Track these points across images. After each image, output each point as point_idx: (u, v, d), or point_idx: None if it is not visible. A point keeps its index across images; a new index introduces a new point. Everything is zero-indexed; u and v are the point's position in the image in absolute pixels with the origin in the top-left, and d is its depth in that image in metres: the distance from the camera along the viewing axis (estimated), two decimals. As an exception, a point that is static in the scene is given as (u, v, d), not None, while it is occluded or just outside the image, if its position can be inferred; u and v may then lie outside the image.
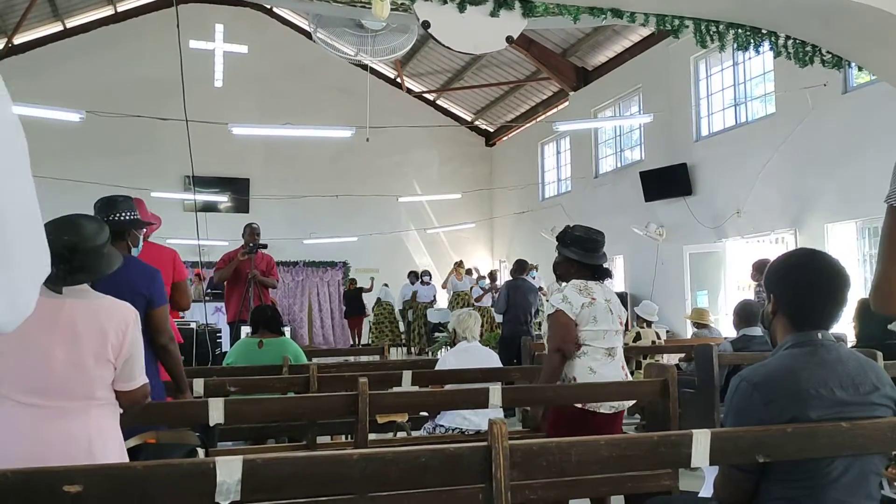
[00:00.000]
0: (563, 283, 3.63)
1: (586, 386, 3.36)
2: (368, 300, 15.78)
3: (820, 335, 2.06)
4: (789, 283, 2.09)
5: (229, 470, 1.60)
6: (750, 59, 10.06)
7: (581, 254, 3.56)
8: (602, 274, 3.61)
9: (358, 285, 15.81)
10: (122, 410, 2.35)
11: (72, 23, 15.54)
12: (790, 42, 4.29)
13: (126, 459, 2.34)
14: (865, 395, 2.03)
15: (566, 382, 3.47)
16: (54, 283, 2.18)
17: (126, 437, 2.76)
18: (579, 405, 3.40)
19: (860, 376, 2.03)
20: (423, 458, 1.71)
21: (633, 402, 3.64)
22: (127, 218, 3.27)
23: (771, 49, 4.34)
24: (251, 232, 6.95)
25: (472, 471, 1.76)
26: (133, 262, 3.30)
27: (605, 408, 3.42)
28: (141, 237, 3.48)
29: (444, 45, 3.59)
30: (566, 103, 14.99)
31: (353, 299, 15.85)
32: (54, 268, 2.13)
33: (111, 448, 2.22)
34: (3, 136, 1.03)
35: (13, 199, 1.02)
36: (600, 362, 3.46)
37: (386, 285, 15.79)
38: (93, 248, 2.28)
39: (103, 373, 2.23)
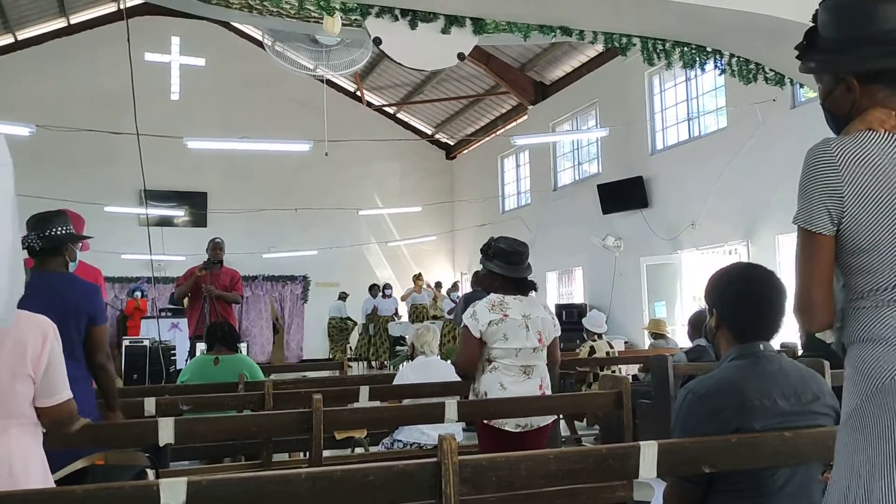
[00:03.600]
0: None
1: (534, 399, 3.34)
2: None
3: (762, 346, 2.11)
4: (729, 296, 2.15)
5: (173, 492, 1.58)
6: (702, 74, 10.29)
7: (504, 267, 3.46)
8: (526, 287, 3.51)
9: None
10: (44, 430, 2.25)
11: (23, 35, 15.21)
12: (734, 60, 4.42)
13: (50, 482, 2.25)
14: (807, 404, 2.08)
15: (478, 397, 3.40)
16: None
17: (72, 459, 2.70)
18: (486, 421, 3.35)
19: (802, 386, 2.08)
20: (371, 476, 1.70)
21: (549, 421, 3.53)
22: (62, 232, 3.18)
23: (716, 67, 4.47)
24: (213, 247, 6.87)
25: (421, 487, 1.76)
26: (74, 278, 3.23)
27: (511, 426, 3.34)
28: (78, 252, 3.39)
29: (395, 62, 3.61)
30: (525, 117, 15.14)
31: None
32: None
33: (33, 470, 2.14)
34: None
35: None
36: (513, 378, 3.37)
37: (342, 299, 15.73)
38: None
39: (22, 389, 2.15)
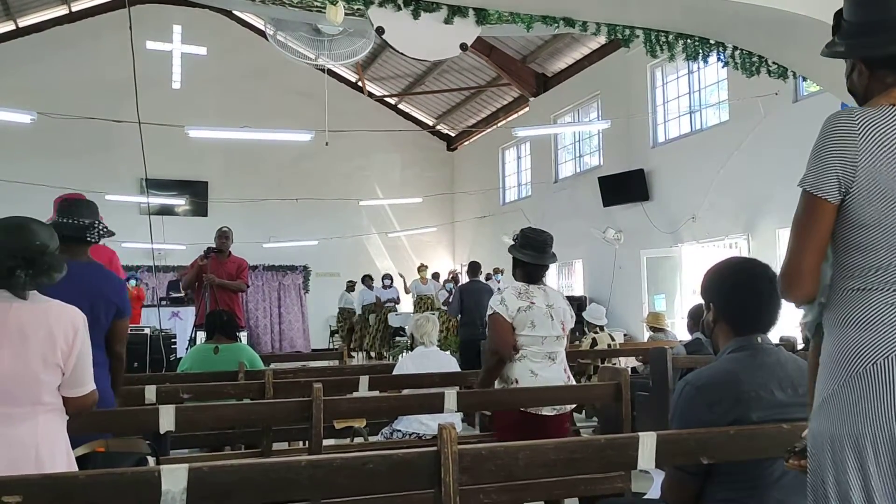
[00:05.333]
0: (507, 285, 3.68)
1: (538, 389, 3.39)
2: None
3: (759, 339, 2.13)
4: (726, 290, 2.16)
5: (175, 478, 1.59)
6: (705, 67, 10.26)
7: (529, 255, 3.58)
8: (538, 276, 3.61)
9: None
10: (67, 417, 2.31)
11: (24, 22, 15.17)
12: (737, 53, 4.41)
13: (74, 467, 2.29)
14: (804, 395, 2.09)
15: (509, 384, 3.47)
16: (17, 288, 2.15)
17: (74, 446, 2.71)
18: (523, 408, 3.41)
19: (799, 378, 2.10)
20: (370, 464, 1.71)
21: (573, 406, 3.65)
22: (102, 229, 3.19)
23: (719, 59, 4.46)
24: (219, 235, 6.94)
25: (421, 476, 1.77)
26: (103, 268, 3.27)
27: (548, 409, 3.43)
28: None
29: (397, 52, 3.61)
30: (526, 109, 15.12)
31: None
32: (20, 273, 2.11)
33: (59, 455, 2.18)
34: None
35: None
36: (541, 365, 3.47)
37: (350, 289, 15.72)
38: (53, 251, 2.25)
39: (51, 377, 2.18)
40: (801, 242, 1.58)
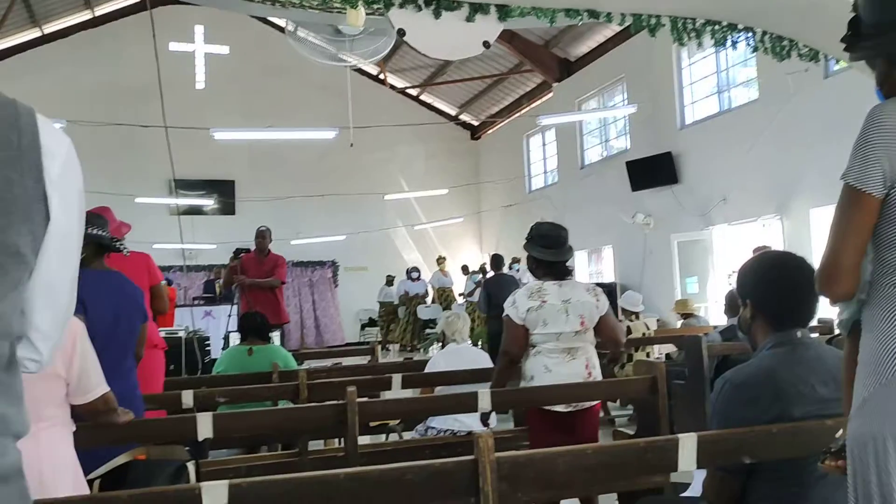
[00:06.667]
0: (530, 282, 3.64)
1: (571, 386, 3.36)
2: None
3: (799, 333, 2.09)
4: (764, 285, 2.12)
5: (215, 495, 1.60)
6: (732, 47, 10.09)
7: (543, 252, 3.54)
8: (560, 273, 3.54)
9: None
10: (73, 428, 2.31)
11: (49, 28, 15.38)
12: (767, 37, 4.31)
13: (81, 482, 2.27)
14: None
15: (525, 380, 3.47)
16: None
17: (114, 455, 2.75)
18: (542, 406, 3.41)
19: (840, 372, 2.05)
20: (409, 475, 1.71)
21: (598, 401, 3.58)
22: (111, 239, 3.29)
23: (748, 44, 4.36)
24: (257, 235, 7.05)
25: (460, 485, 1.77)
26: (127, 280, 3.35)
27: (560, 406, 3.40)
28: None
29: (420, 53, 3.58)
30: (550, 94, 14.99)
31: None
32: None
33: (63, 471, 2.16)
34: (78, 205, 1.12)
35: (76, 247, 1.14)
36: (556, 361, 3.42)
37: (390, 283, 15.77)
38: None
39: (51, 390, 2.18)
40: (843, 238, 1.54)
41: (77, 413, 2.36)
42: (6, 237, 0.99)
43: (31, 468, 2.04)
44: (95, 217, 3.30)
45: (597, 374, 3.55)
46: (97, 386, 2.30)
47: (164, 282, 4.26)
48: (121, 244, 3.31)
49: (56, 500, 1.60)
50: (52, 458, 2.13)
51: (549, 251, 3.54)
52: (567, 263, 3.61)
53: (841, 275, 1.54)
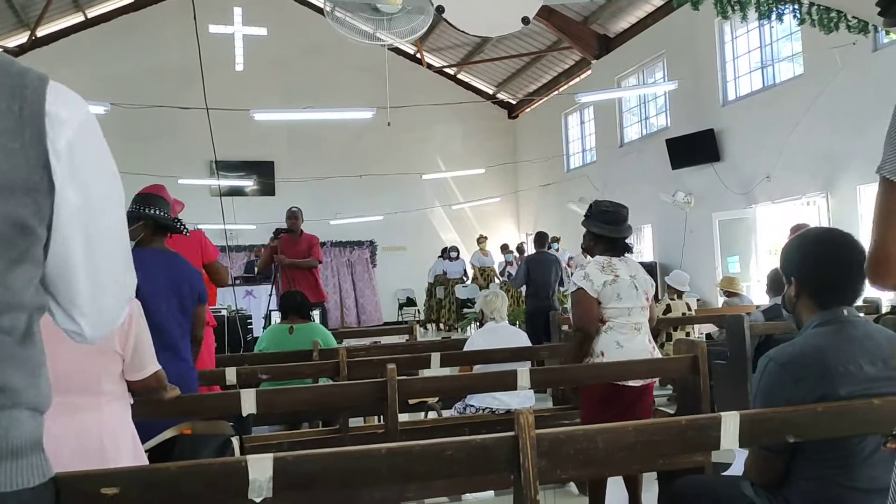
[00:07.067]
0: (589, 259, 3.64)
1: (613, 365, 3.36)
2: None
3: (846, 311, 2.05)
4: (809, 262, 2.09)
5: (261, 468, 1.63)
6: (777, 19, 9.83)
7: (604, 227, 3.54)
8: (621, 249, 3.58)
9: None
10: (132, 401, 2.38)
11: (93, 12, 15.64)
12: (814, 8, 4.18)
13: (140, 453, 2.35)
14: (895, 369, 2.01)
15: (594, 357, 3.47)
16: None
17: (161, 429, 2.83)
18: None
19: (889, 351, 2.01)
20: (449, 451, 1.72)
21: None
22: (172, 220, 3.33)
23: (795, 16, 4.24)
24: (289, 216, 7.13)
25: (500, 461, 1.78)
26: (184, 260, 3.39)
27: (633, 381, 3.44)
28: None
29: (458, 30, 3.55)
30: (589, 72, 14.79)
31: None
32: None
33: (123, 443, 2.24)
34: (98, 178, 1.09)
35: (108, 226, 1.11)
36: (627, 336, 3.46)
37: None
38: None
39: (110, 366, 2.25)
40: (884, 230, 1.50)
41: (130, 389, 2.44)
42: (7, 208, 0.97)
43: (93, 439, 2.15)
44: (155, 198, 3.33)
45: (656, 351, 3.62)
46: (150, 363, 2.37)
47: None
48: (181, 225, 3.34)
49: (106, 470, 1.65)
50: (112, 430, 2.21)
51: (611, 227, 3.55)
52: (627, 240, 3.62)
53: (889, 265, 1.51)
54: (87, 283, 1.08)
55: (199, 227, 10.32)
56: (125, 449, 2.22)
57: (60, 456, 2.06)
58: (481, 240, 15.32)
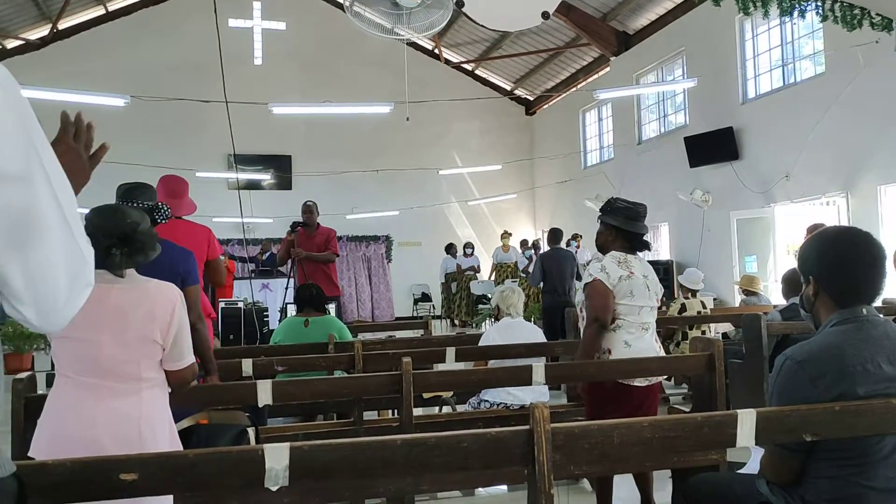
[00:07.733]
0: (602, 255, 3.62)
1: (628, 362, 3.34)
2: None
3: (864, 310, 2.04)
4: (828, 260, 2.07)
5: (277, 457, 1.65)
6: (800, 16, 9.72)
7: (623, 221, 3.52)
8: (640, 245, 3.57)
9: None
10: (170, 390, 2.41)
11: (114, 6, 15.75)
12: (837, 5, 4.14)
13: (176, 439, 2.40)
14: (916, 369, 1.99)
15: (602, 355, 3.44)
16: (115, 268, 2.27)
17: (178, 419, 2.86)
18: (619, 380, 3.39)
19: (910, 350, 2.00)
20: (465, 443, 1.73)
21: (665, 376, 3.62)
22: (151, 208, 3.30)
23: (817, 13, 4.20)
24: (304, 210, 7.16)
25: (514, 455, 1.78)
26: (171, 245, 3.38)
27: (640, 381, 3.41)
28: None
29: (478, 24, 3.55)
30: (607, 69, 14.71)
31: None
32: (115, 252, 2.24)
33: (160, 429, 2.28)
34: (16, 144, 0.94)
35: (32, 205, 0.97)
36: (635, 335, 3.43)
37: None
38: (145, 230, 2.36)
39: (150, 354, 2.29)
40: None
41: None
42: None
43: (132, 424, 2.19)
44: (141, 190, 3.28)
45: (661, 352, 3.60)
46: (188, 354, 2.41)
47: (222, 256, 4.39)
48: (159, 214, 3.28)
49: (125, 456, 1.67)
50: (150, 416, 2.25)
51: (632, 223, 3.53)
52: (644, 237, 3.61)
53: None
54: (16, 269, 0.96)
55: (216, 219, 10.37)
56: (162, 436, 2.27)
57: (100, 437, 2.11)
58: (505, 236, 15.32)
